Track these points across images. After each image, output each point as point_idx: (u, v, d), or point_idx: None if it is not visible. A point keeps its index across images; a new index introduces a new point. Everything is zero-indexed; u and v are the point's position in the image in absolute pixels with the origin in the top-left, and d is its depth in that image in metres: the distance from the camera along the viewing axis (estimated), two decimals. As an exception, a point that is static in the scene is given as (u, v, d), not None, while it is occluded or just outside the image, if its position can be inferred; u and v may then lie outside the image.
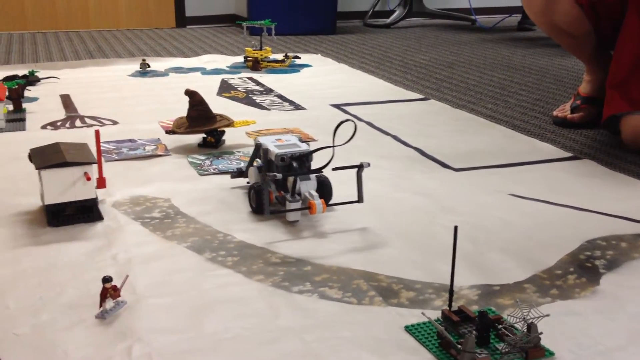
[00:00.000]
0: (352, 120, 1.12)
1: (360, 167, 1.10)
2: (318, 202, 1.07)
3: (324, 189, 1.14)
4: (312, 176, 1.13)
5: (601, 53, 1.75)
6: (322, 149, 1.15)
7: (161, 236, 1.06)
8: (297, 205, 1.09)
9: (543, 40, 3.35)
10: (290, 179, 1.11)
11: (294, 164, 1.11)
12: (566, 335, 0.79)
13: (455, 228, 0.77)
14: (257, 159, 1.21)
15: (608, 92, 1.59)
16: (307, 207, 1.08)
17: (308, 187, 1.11)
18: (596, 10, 1.62)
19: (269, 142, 1.16)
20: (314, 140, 1.58)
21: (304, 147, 1.14)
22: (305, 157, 1.12)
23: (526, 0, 1.73)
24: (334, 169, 1.10)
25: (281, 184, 1.13)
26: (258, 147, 1.18)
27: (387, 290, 0.90)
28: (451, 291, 0.80)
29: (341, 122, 1.11)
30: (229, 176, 1.29)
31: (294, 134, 1.21)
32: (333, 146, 1.10)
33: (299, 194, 1.11)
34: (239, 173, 1.27)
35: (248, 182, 1.25)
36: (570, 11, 1.64)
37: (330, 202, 1.14)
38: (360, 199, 1.12)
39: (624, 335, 0.80)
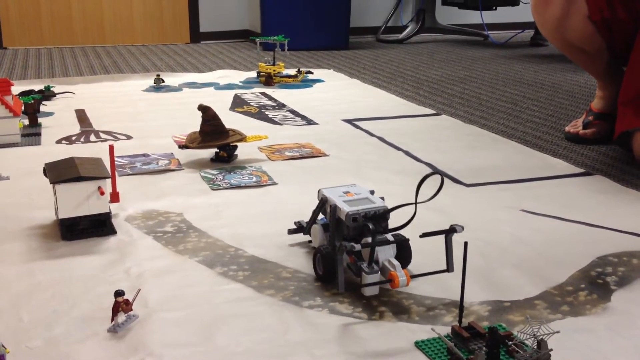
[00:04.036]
0: (439, 174, 0.94)
1: (451, 232, 0.92)
2: (401, 273, 0.88)
3: (403, 253, 0.98)
4: (392, 240, 0.94)
5: (614, 69, 1.75)
6: (403, 206, 0.97)
7: (173, 250, 1.07)
8: (377, 277, 0.90)
9: (555, 56, 3.35)
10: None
11: (369, 225, 0.93)
12: (577, 352, 0.79)
13: (465, 244, 0.77)
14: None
15: (620, 108, 1.59)
16: (388, 280, 0.89)
17: (387, 253, 0.92)
18: (609, 27, 1.62)
19: (336, 197, 0.98)
20: (325, 155, 1.58)
21: (378, 202, 0.97)
22: (382, 215, 0.95)
23: (539, 17, 1.74)
24: (421, 236, 0.90)
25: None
26: (323, 202, 1.01)
27: (398, 306, 0.90)
28: (461, 307, 0.80)
29: (426, 176, 0.92)
30: (241, 190, 1.29)
31: (359, 186, 1.03)
32: (415, 203, 0.94)
33: (377, 262, 0.91)
34: (298, 229, 1.10)
35: (310, 242, 1.09)
36: (584, 28, 1.64)
37: (415, 274, 0.95)
38: (449, 268, 0.93)
39: (635, 352, 0.80)
